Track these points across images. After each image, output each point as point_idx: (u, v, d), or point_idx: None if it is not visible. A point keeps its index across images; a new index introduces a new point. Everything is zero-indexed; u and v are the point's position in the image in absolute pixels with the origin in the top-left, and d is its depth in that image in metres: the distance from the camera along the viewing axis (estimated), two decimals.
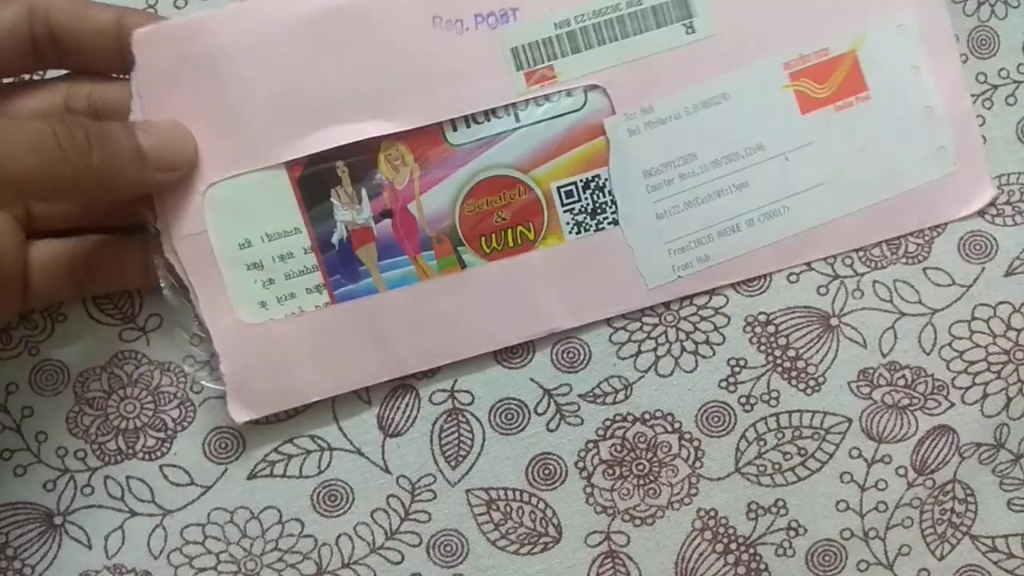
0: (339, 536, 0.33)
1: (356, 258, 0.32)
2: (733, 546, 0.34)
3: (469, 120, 0.32)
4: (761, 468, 0.34)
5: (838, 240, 0.34)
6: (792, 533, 0.34)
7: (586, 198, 0.33)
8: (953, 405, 0.34)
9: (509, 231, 0.33)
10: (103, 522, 0.33)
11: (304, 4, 0.31)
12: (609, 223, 0.33)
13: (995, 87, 0.35)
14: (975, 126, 0.34)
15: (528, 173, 0.33)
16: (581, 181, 0.33)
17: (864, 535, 0.34)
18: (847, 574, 0.34)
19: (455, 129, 0.32)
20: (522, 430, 0.34)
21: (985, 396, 0.34)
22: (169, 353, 0.34)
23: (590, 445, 0.34)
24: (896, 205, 0.34)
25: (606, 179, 0.33)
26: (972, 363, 0.34)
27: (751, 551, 0.34)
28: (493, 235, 0.33)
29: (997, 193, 0.34)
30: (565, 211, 0.33)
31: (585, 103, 0.33)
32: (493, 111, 0.32)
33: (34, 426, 0.33)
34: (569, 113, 0.33)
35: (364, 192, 0.32)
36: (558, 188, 0.33)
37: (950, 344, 0.34)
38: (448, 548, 0.33)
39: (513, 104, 0.32)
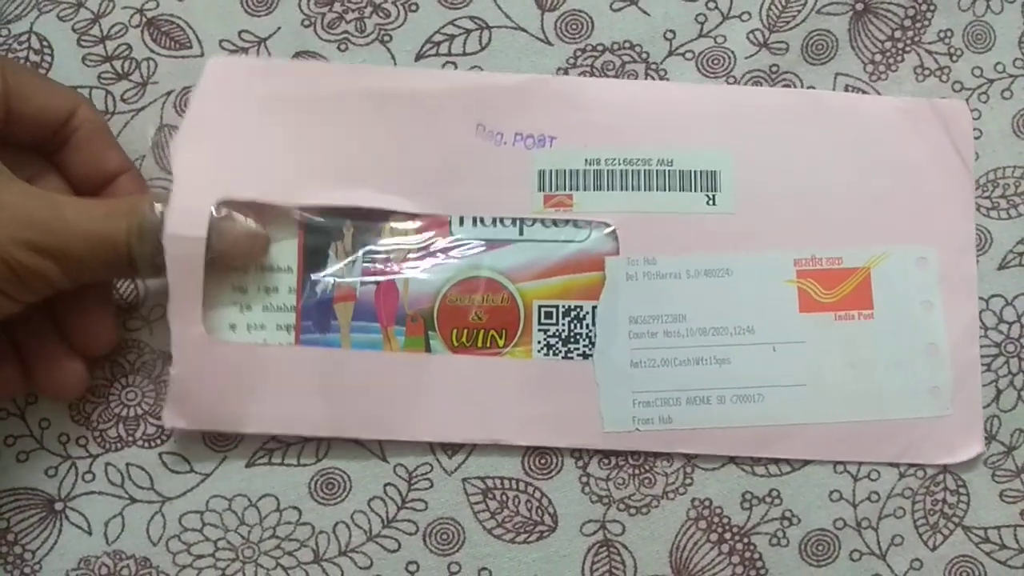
0: (336, 524, 0.33)
1: (332, 311, 0.33)
2: (727, 535, 0.34)
3: (476, 220, 0.33)
4: (755, 458, 0.34)
5: (807, 445, 0.33)
6: (786, 523, 0.34)
7: (563, 324, 0.33)
8: None
9: (481, 331, 0.33)
10: (103, 508, 0.33)
11: (367, 81, 0.34)
12: (579, 355, 0.33)
13: (991, 81, 0.35)
14: (978, 377, 0.34)
15: (516, 284, 0.33)
16: (563, 307, 0.33)
17: (857, 525, 0.34)
18: (840, 564, 0.34)
19: (461, 224, 0.34)
20: None
21: None
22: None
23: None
24: (876, 430, 0.34)
25: (587, 312, 0.33)
26: None
27: (745, 540, 0.34)
28: (466, 331, 0.33)
29: (983, 451, 0.34)
30: (540, 330, 0.33)
31: (589, 237, 0.34)
32: (501, 219, 0.33)
33: (37, 413, 0.34)
34: (571, 242, 0.34)
35: (361, 254, 0.33)
36: (540, 306, 0.33)
37: None
38: (444, 536, 0.34)
39: (521, 218, 0.33)
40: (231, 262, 0.33)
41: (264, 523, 0.33)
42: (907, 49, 0.35)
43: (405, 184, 0.33)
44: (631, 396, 0.33)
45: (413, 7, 0.35)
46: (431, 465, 0.34)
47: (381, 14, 0.35)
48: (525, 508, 0.34)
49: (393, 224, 0.34)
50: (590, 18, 0.35)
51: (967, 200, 0.34)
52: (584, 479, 0.34)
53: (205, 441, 0.34)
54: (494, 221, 0.34)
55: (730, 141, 0.34)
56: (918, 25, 0.35)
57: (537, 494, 0.34)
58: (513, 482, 0.34)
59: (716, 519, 0.34)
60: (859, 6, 0.35)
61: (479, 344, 0.33)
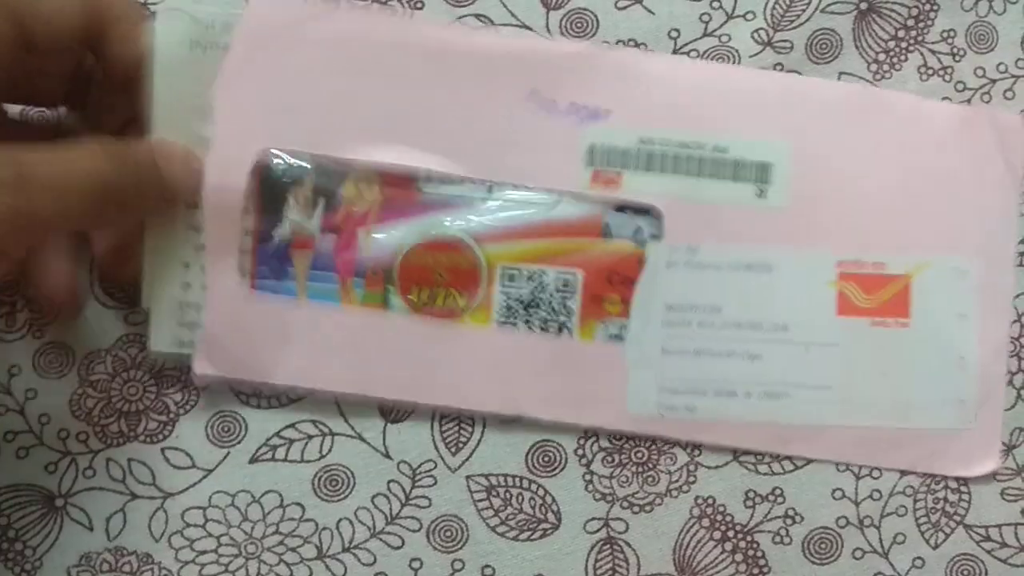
0: (340, 520, 0.33)
1: (289, 258, 0.33)
2: (731, 533, 0.34)
3: (445, 177, 0.33)
4: (759, 456, 0.34)
5: (828, 447, 0.34)
6: (789, 521, 0.34)
7: (526, 288, 0.33)
8: None
9: (442, 291, 0.33)
10: (104, 504, 0.33)
11: (423, 35, 0.32)
12: (539, 321, 0.33)
13: (993, 81, 0.35)
14: (1002, 392, 0.34)
15: (481, 244, 0.33)
16: (527, 271, 0.33)
17: (859, 523, 0.34)
18: (843, 562, 0.34)
19: (429, 180, 0.33)
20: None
21: None
22: None
23: (590, 432, 0.34)
24: (897, 438, 0.34)
25: (551, 278, 0.33)
26: None
27: (748, 539, 0.34)
28: (427, 289, 0.33)
29: (1000, 465, 0.34)
30: (502, 292, 0.33)
31: (558, 204, 0.33)
32: (471, 179, 0.33)
33: (37, 408, 0.33)
34: (540, 205, 0.33)
35: (321, 202, 0.32)
36: (503, 269, 0.33)
37: None
38: (448, 533, 0.34)
39: (484, 180, 0.33)
40: (176, 195, 0.31)
41: (267, 519, 0.33)
42: (910, 49, 0.35)
43: (450, 146, 0.32)
44: (658, 382, 0.33)
45: (419, 5, 0.35)
46: (435, 462, 0.34)
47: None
48: (529, 506, 0.34)
49: (356, 175, 0.33)
50: (595, 16, 0.35)
51: (1012, 216, 0.34)
52: (588, 477, 0.34)
53: (208, 437, 0.33)
54: (462, 180, 0.33)
55: (788, 133, 0.33)
56: (921, 25, 0.36)
57: (540, 492, 0.34)
58: (516, 480, 0.34)
59: (719, 517, 0.34)
60: (863, 5, 0.35)
61: (438, 303, 0.33)
